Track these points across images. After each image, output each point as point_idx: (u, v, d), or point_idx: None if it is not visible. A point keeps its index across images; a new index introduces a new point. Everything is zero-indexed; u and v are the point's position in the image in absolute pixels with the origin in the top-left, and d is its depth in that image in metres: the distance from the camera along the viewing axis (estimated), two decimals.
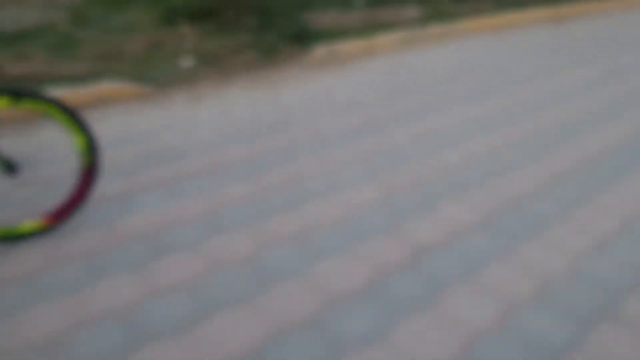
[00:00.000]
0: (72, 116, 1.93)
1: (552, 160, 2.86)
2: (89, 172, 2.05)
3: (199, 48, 4.88)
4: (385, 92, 4.05)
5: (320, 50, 5.00)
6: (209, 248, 2.04)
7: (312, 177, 2.65)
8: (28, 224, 1.99)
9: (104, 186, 2.52)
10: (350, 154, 2.92)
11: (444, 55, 5.35)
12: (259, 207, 2.36)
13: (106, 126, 3.29)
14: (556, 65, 4.97)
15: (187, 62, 4.51)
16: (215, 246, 2.06)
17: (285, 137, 3.14)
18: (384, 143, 3.07)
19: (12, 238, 1.96)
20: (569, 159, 2.88)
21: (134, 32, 5.40)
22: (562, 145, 3.07)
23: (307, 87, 4.18)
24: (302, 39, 5.20)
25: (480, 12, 7.12)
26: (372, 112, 3.59)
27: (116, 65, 4.40)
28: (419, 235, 2.14)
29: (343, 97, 3.92)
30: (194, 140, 3.10)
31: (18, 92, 1.82)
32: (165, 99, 3.90)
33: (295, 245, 2.07)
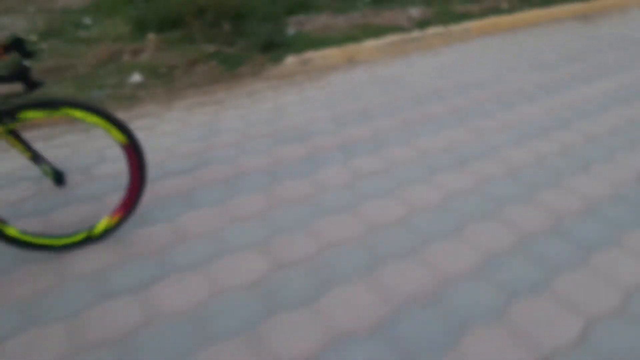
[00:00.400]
0: (103, 115, 1.89)
1: (528, 219, 2.18)
2: (137, 159, 2.01)
3: (158, 60, 4.43)
4: (346, 115, 3.44)
5: (291, 61, 4.43)
6: (16, 346, 1.56)
7: (192, 240, 2.11)
8: (101, 224, 2.04)
9: None
10: (252, 207, 2.35)
11: (439, 62, 4.65)
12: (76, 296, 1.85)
13: (4, 162, 2.88)
14: (571, 76, 4.16)
15: (136, 77, 4.06)
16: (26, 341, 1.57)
17: (186, 182, 2.60)
18: (307, 190, 2.48)
19: (90, 240, 2.03)
20: (546, 215, 2.19)
21: (100, 42, 5.03)
22: (549, 192, 2.38)
23: (256, 108, 3.63)
24: (275, 47, 4.64)
25: (498, 12, 6.30)
26: (315, 144, 3.00)
27: (57, 83, 4.02)
28: (282, 354, 1.56)
29: (291, 122, 3.34)
30: (83, 183, 2.63)
31: (46, 102, 1.78)
32: None
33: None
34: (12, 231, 1.88)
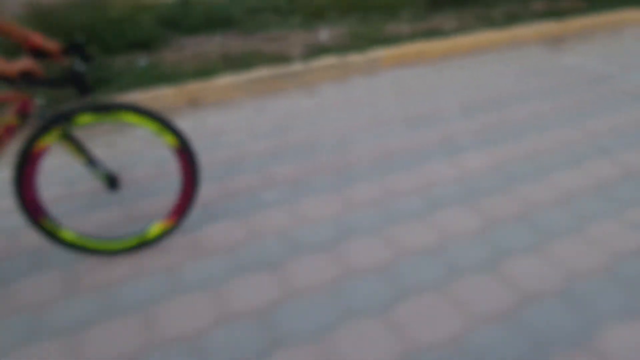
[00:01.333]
0: (157, 119, 1.86)
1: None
2: (190, 163, 1.98)
3: None
4: (75, 198, 2.50)
5: None
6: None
7: None
8: (155, 228, 2.03)
9: None
10: None
11: (301, 108, 3.58)
12: None
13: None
14: (453, 138, 3.00)
15: None
16: None
17: None
18: None
19: (144, 244, 2.04)
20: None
21: None
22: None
23: None
24: (97, 84, 3.76)
25: (436, 34, 5.08)
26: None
27: None
28: None
29: None
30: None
31: (101, 106, 1.78)
32: None
33: None
34: (68, 235, 1.90)
